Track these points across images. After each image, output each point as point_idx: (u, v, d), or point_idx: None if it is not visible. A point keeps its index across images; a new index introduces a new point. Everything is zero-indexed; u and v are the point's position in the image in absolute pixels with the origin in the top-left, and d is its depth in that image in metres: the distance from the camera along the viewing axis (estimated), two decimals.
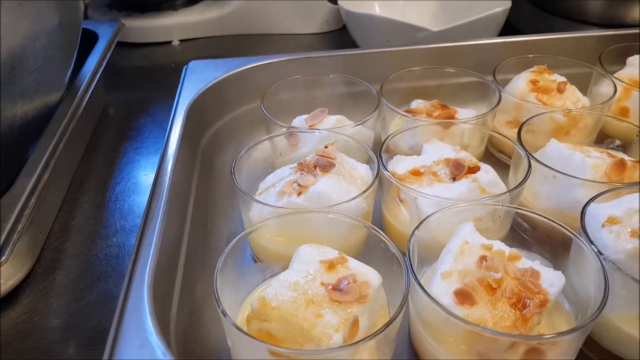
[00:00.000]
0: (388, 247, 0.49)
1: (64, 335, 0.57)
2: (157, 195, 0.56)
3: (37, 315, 0.59)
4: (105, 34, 0.90)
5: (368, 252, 0.53)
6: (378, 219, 0.65)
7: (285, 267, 0.49)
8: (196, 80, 0.78)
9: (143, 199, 0.75)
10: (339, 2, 1.07)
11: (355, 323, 0.43)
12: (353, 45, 1.12)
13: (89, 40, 0.88)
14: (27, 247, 0.62)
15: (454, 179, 0.58)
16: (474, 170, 0.59)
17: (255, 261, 0.60)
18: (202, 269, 0.60)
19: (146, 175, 0.80)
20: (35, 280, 0.63)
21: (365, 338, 0.41)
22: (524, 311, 0.44)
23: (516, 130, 0.66)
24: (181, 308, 0.51)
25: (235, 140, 0.79)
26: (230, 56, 0.86)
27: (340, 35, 1.23)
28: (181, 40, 1.21)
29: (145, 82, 1.09)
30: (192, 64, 0.82)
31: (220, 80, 0.77)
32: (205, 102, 0.75)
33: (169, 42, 1.21)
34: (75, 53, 0.76)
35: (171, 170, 0.60)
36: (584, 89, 0.79)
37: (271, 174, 0.64)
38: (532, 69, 0.77)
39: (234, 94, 0.80)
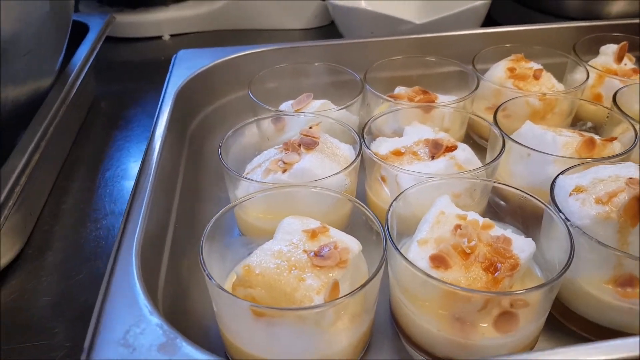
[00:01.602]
0: (368, 217, 0.51)
1: (54, 312, 0.58)
2: (145, 174, 0.58)
3: (27, 294, 0.60)
4: (96, 26, 0.91)
5: (352, 227, 0.55)
6: (362, 199, 0.67)
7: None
8: (185, 68, 0.80)
9: (132, 183, 0.76)
10: None
11: (335, 286, 0.45)
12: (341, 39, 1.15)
13: (80, 32, 0.90)
14: (17, 227, 0.64)
15: (432, 157, 0.61)
16: (451, 149, 0.61)
17: (241, 235, 0.62)
18: (189, 247, 0.61)
19: (135, 162, 0.82)
20: (25, 261, 0.64)
21: (343, 296, 0.43)
22: (496, 274, 0.46)
23: None
24: (168, 282, 0.53)
25: (223, 127, 0.80)
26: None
27: (329, 30, 1.25)
28: (172, 35, 1.24)
29: (135, 75, 1.10)
30: (182, 53, 0.84)
31: (208, 68, 0.79)
32: (193, 89, 0.77)
33: (160, 37, 1.23)
34: (66, 41, 0.77)
35: (158, 152, 0.62)
36: (560, 77, 0.81)
37: (258, 156, 0.66)
38: (509, 58, 0.80)
39: (221, 82, 0.82)
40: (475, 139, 0.78)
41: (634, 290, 0.47)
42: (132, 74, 1.11)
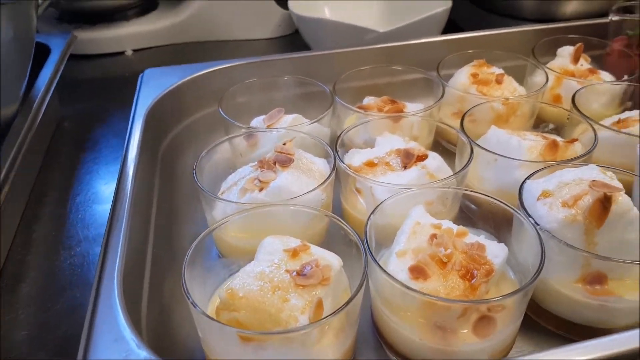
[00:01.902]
0: (347, 233, 0.52)
1: (34, 345, 0.57)
2: (121, 200, 0.58)
3: (5, 327, 0.59)
4: (57, 47, 0.90)
5: (330, 240, 0.56)
6: (337, 211, 0.68)
7: (251, 261, 0.51)
8: (152, 87, 0.79)
9: (104, 207, 0.76)
10: (290, 7, 1.10)
11: (319, 304, 0.46)
12: (306, 48, 1.16)
13: (41, 53, 0.88)
14: None
15: (405, 167, 0.62)
16: (422, 158, 0.63)
17: (220, 257, 0.63)
18: (169, 270, 0.61)
19: (106, 185, 0.81)
20: None
21: (328, 316, 0.44)
22: (472, 281, 0.48)
23: None
24: (151, 308, 0.53)
25: (194, 145, 0.81)
26: (185, 64, 0.87)
27: (293, 39, 1.26)
28: (134, 50, 1.22)
29: (99, 93, 1.09)
30: (148, 72, 0.83)
31: (176, 86, 0.79)
32: (163, 108, 0.77)
33: (122, 53, 1.21)
34: (30, 65, 0.76)
35: (132, 175, 0.61)
36: (520, 80, 0.85)
37: (232, 174, 0.66)
38: (472, 64, 0.83)
39: (190, 100, 0.82)
40: (444, 145, 0.80)
41: (602, 288, 0.49)
42: (96, 92, 1.09)
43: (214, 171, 0.68)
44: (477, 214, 0.62)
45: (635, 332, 0.43)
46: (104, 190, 0.80)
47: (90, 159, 0.87)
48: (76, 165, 0.86)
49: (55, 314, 0.61)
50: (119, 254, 0.50)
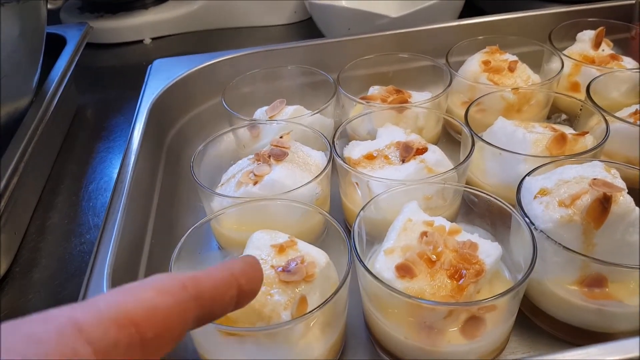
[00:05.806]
0: (335, 227, 0.52)
1: None
2: (119, 190, 0.59)
3: (16, 313, 0.61)
4: (73, 38, 0.91)
5: (328, 234, 0.55)
6: (337, 203, 0.67)
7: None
8: (160, 78, 0.80)
9: None
10: None
11: (302, 301, 0.46)
12: (320, 34, 1.14)
13: (58, 44, 0.90)
14: (2, 248, 0.65)
15: (403, 161, 0.61)
16: (422, 151, 0.61)
17: (220, 249, 0.63)
18: (166, 262, 0.62)
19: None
20: (13, 280, 0.66)
21: (308, 313, 0.44)
22: (460, 281, 0.46)
23: None
24: None
25: (201, 135, 0.81)
26: (201, 52, 0.88)
27: (309, 25, 1.24)
28: (153, 39, 1.23)
29: (118, 81, 1.11)
30: (157, 63, 0.84)
31: (183, 77, 0.79)
32: (170, 99, 0.78)
33: (141, 41, 1.23)
34: (41, 58, 0.78)
35: (133, 165, 0.62)
36: (537, 67, 0.81)
37: (233, 166, 0.66)
38: (484, 50, 0.79)
39: (197, 90, 0.82)
40: (452, 134, 0.78)
41: (602, 291, 0.47)
42: (115, 81, 1.11)
43: (218, 161, 0.68)
44: (479, 207, 0.60)
45: (635, 340, 0.40)
46: (115, 179, 0.82)
47: (104, 148, 0.89)
48: (91, 153, 0.88)
49: (64, 300, 0.61)
50: (111, 245, 0.51)
